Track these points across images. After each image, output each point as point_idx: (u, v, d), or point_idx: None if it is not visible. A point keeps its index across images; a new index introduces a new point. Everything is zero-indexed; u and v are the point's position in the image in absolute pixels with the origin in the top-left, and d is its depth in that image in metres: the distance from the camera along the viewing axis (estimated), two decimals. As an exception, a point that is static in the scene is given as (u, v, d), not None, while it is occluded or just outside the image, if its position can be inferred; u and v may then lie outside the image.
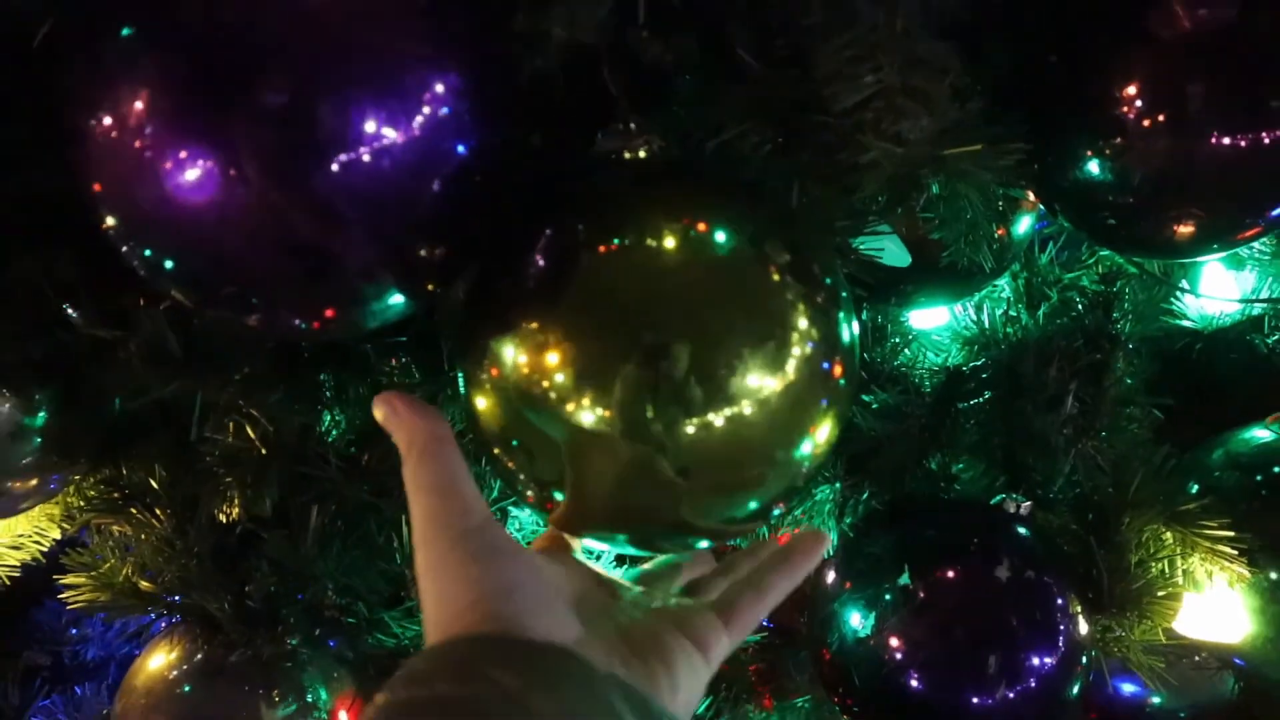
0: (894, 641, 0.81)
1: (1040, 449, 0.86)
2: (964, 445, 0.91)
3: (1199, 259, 1.04)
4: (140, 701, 0.85)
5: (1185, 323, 1.10)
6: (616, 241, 0.51)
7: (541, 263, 0.52)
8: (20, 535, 0.93)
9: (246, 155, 0.45)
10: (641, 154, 0.56)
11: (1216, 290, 1.10)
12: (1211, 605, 0.88)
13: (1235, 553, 0.83)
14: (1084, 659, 0.82)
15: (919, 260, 0.85)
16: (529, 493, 0.54)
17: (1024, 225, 0.89)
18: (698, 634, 0.44)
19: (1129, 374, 0.90)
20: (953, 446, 0.91)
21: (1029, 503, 0.91)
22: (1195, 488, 0.91)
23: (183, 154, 0.45)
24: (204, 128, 0.45)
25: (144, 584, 0.83)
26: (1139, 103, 0.64)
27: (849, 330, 0.55)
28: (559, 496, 0.52)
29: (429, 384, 0.75)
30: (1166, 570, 0.86)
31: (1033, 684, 0.79)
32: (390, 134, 0.46)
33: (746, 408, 0.49)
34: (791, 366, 0.50)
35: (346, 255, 0.50)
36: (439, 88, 0.47)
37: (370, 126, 0.45)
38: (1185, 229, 0.69)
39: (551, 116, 0.57)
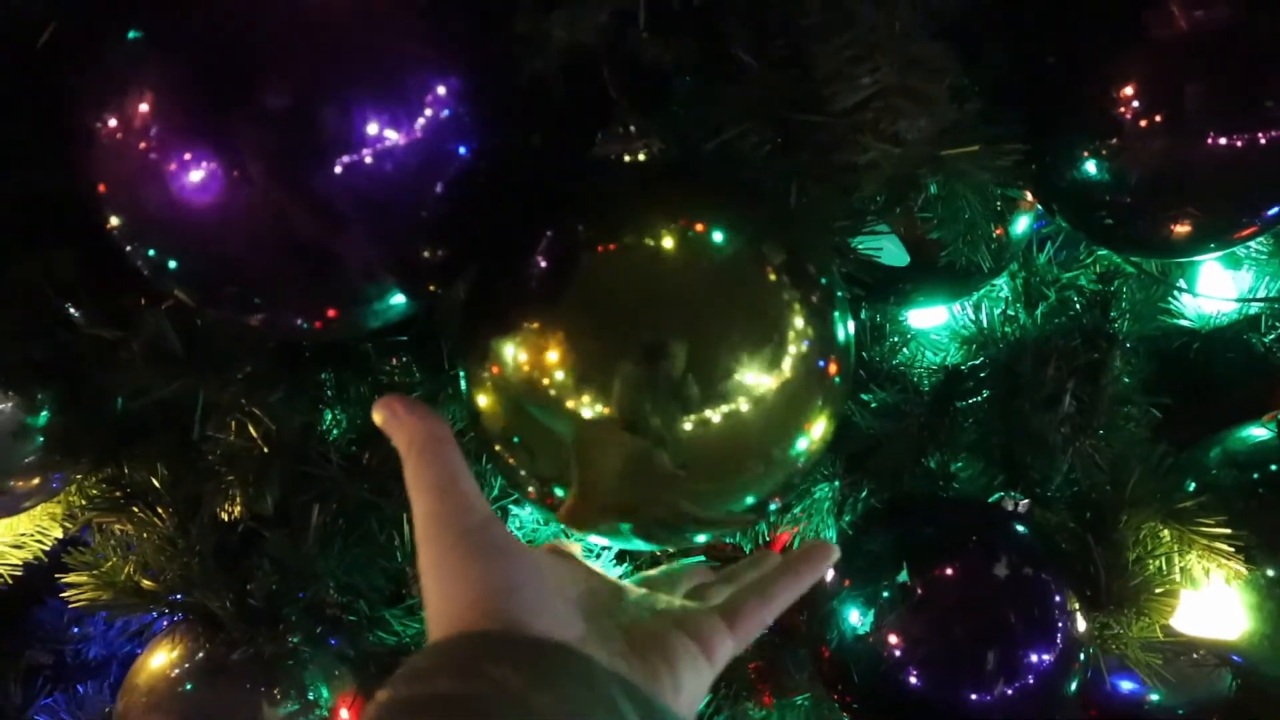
0: (893, 639, 0.81)
1: (1038, 447, 0.87)
2: (962, 444, 0.92)
3: (1196, 258, 1.04)
4: (142, 700, 0.85)
5: (1183, 322, 1.10)
6: (616, 242, 0.52)
7: (542, 263, 0.53)
8: (22, 534, 0.93)
9: (250, 156, 0.45)
10: (641, 157, 0.56)
11: (1214, 289, 1.11)
12: (1209, 602, 0.88)
13: (1232, 550, 0.83)
14: (1082, 656, 0.82)
15: (917, 260, 0.85)
16: (530, 489, 0.55)
17: (1022, 225, 0.90)
18: (701, 635, 0.44)
19: (1127, 373, 0.90)
20: (951, 445, 0.91)
21: (1027, 501, 0.91)
22: (1193, 486, 0.91)
23: (187, 155, 0.45)
24: (208, 129, 0.45)
25: (146, 583, 0.83)
26: (1135, 103, 0.64)
27: (844, 329, 0.56)
28: (560, 492, 0.53)
29: (429, 383, 0.75)
30: (1164, 567, 0.86)
31: (1031, 681, 0.80)
32: (392, 135, 0.46)
33: (743, 404, 0.50)
34: (787, 364, 0.51)
35: (349, 255, 0.50)
36: (440, 90, 0.47)
37: (372, 128, 0.46)
38: (1182, 228, 0.69)
39: (552, 118, 0.57)
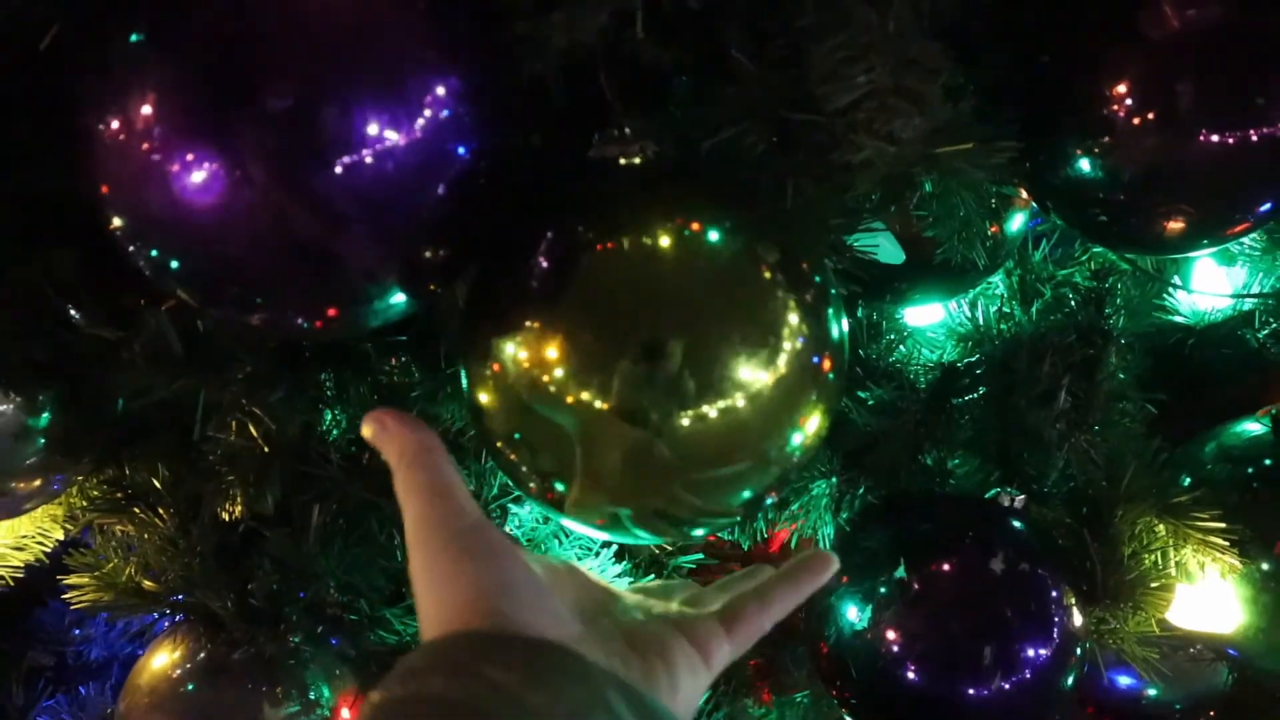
0: (890, 634, 0.82)
1: (1034, 443, 0.87)
2: (959, 440, 0.92)
3: (1190, 255, 1.05)
4: (144, 700, 0.86)
5: (1177, 318, 1.11)
6: (614, 241, 0.52)
7: (542, 262, 0.53)
8: (24, 536, 0.93)
9: (251, 157, 0.46)
10: (637, 159, 0.57)
11: (1208, 286, 1.11)
12: (1204, 596, 0.89)
13: (1227, 544, 0.84)
14: (1078, 650, 0.83)
15: (913, 257, 0.86)
16: (531, 485, 0.56)
17: (1017, 223, 0.90)
18: (699, 637, 0.44)
19: (1122, 369, 0.91)
20: (948, 442, 0.92)
21: (1023, 496, 0.92)
22: (1188, 480, 0.92)
23: (189, 156, 0.45)
24: (210, 131, 0.46)
25: (147, 583, 0.83)
26: (1128, 101, 0.65)
27: (838, 326, 0.56)
28: (560, 487, 0.53)
29: (428, 382, 0.75)
30: (1159, 562, 0.87)
31: (1028, 675, 0.80)
32: (392, 136, 0.46)
33: (739, 400, 0.50)
34: (782, 361, 0.52)
35: (350, 255, 0.50)
36: (440, 90, 0.48)
37: (373, 129, 0.46)
38: (1175, 225, 0.70)
39: (551, 119, 0.57)
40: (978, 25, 0.65)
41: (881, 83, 0.50)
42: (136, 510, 0.82)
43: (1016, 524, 0.87)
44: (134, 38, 0.47)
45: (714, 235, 0.53)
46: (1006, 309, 0.94)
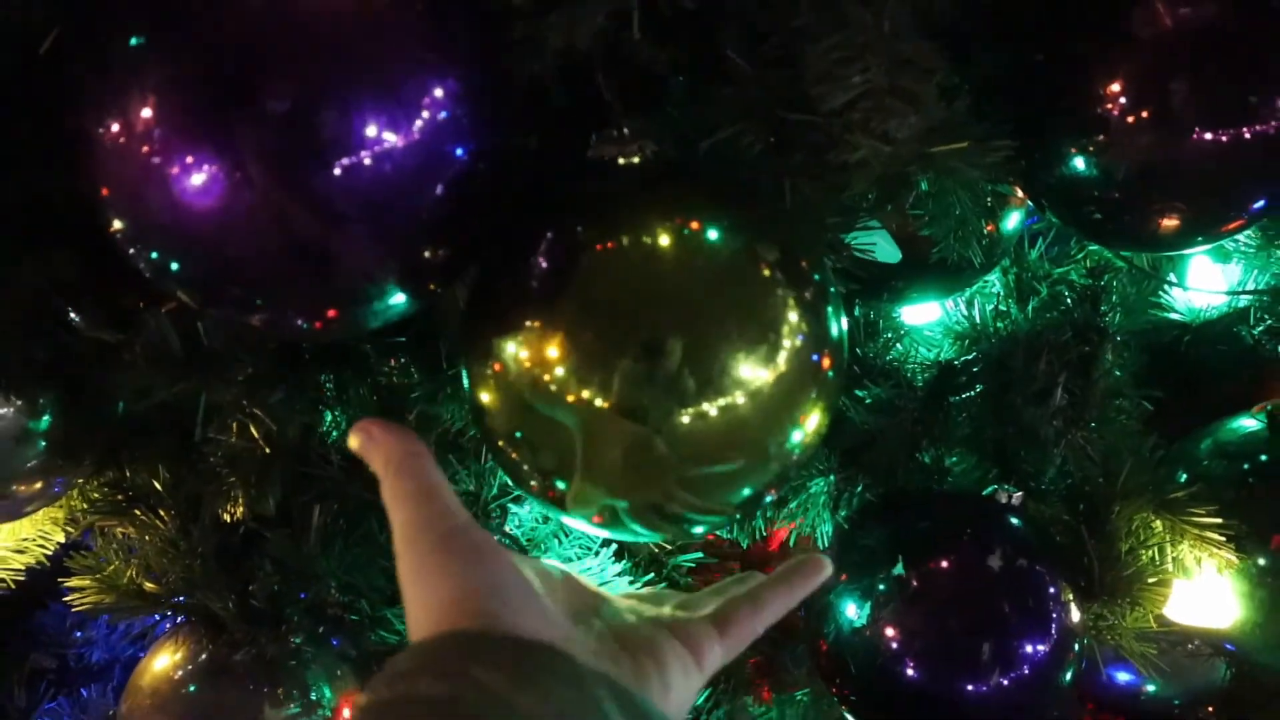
0: (889, 631, 0.82)
1: (1031, 441, 0.88)
2: (956, 438, 0.92)
3: (1185, 252, 1.05)
4: (146, 702, 0.86)
5: (1173, 315, 1.11)
6: (613, 241, 0.53)
7: (542, 262, 0.54)
8: (24, 539, 0.93)
9: (251, 159, 0.46)
10: (635, 159, 0.57)
11: (1204, 283, 1.12)
12: (1201, 591, 0.89)
13: (1223, 539, 0.84)
14: (1076, 646, 0.83)
15: (910, 256, 0.86)
16: (533, 483, 0.56)
17: (1013, 221, 0.90)
18: (691, 639, 0.44)
19: (1118, 366, 0.91)
20: (945, 439, 0.92)
21: (1020, 493, 0.92)
22: (1184, 476, 0.92)
23: (189, 158, 0.46)
24: (210, 133, 0.46)
25: (148, 585, 0.83)
26: (1122, 100, 0.65)
27: (837, 324, 0.57)
28: (561, 485, 0.54)
29: (428, 383, 0.76)
30: (1156, 557, 0.87)
31: (1026, 671, 0.80)
32: (391, 138, 0.47)
33: (739, 397, 0.51)
34: (782, 359, 0.52)
35: (350, 256, 0.51)
36: (439, 92, 0.48)
37: (372, 130, 0.46)
38: (1169, 222, 0.70)
39: (549, 120, 0.58)
40: (972, 25, 0.66)
41: (877, 83, 0.51)
42: (137, 512, 0.83)
43: (1014, 521, 0.87)
44: (133, 41, 0.47)
45: (713, 234, 0.53)
46: (1003, 307, 0.95)
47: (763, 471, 0.55)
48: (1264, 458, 0.94)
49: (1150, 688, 1.17)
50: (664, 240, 0.52)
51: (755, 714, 1.15)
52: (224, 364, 0.66)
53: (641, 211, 0.53)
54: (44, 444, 0.77)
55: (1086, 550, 0.87)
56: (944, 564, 0.84)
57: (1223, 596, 0.91)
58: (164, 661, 0.86)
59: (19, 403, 0.75)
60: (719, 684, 1.04)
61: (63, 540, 0.95)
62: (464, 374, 0.58)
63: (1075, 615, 0.83)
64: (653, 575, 0.96)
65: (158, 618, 0.89)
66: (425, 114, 0.48)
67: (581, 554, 0.91)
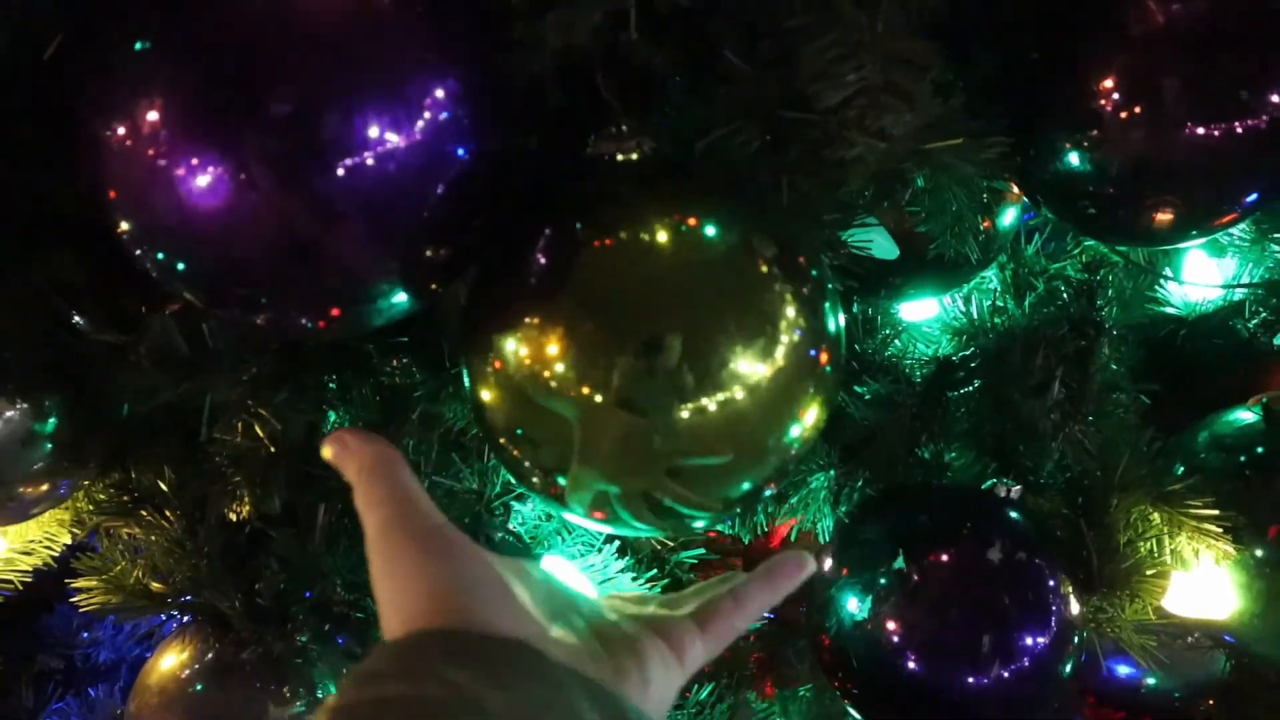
0: (890, 625, 0.82)
1: (1029, 435, 0.88)
2: (955, 433, 0.93)
3: (1180, 246, 1.06)
4: (153, 701, 0.86)
5: (1169, 310, 1.12)
6: (612, 239, 0.53)
7: (541, 260, 0.55)
8: (31, 541, 0.94)
9: (255, 161, 0.47)
10: (634, 156, 0.58)
11: (1199, 277, 1.12)
12: (1199, 583, 0.90)
13: (1220, 531, 0.84)
14: (1076, 638, 0.84)
15: (907, 253, 0.87)
16: (535, 479, 0.57)
17: (1009, 217, 0.91)
18: (672, 636, 0.43)
19: (1115, 360, 0.91)
20: (944, 434, 0.93)
21: (1019, 487, 0.92)
22: (1181, 469, 0.93)
23: (195, 160, 0.47)
24: (215, 135, 0.47)
25: (155, 585, 0.84)
26: (1115, 95, 0.66)
27: (835, 320, 0.57)
28: (562, 482, 0.54)
29: (431, 382, 0.76)
30: (1154, 549, 0.87)
31: (1026, 663, 0.81)
32: (393, 139, 0.48)
33: (738, 393, 0.51)
34: (780, 354, 0.53)
35: (352, 256, 0.51)
36: (440, 93, 0.49)
37: (374, 132, 0.47)
38: (1163, 216, 0.71)
39: (548, 119, 0.59)
40: (966, 22, 0.66)
41: (872, 80, 0.51)
42: (143, 513, 0.83)
43: (1013, 514, 0.88)
44: (138, 45, 0.48)
45: (711, 230, 0.54)
46: (1000, 303, 0.95)
47: (763, 465, 0.56)
48: (1260, 450, 0.94)
49: (1150, 680, 1.17)
50: (662, 237, 0.53)
51: (758, 710, 1.16)
52: (229, 364, 0.66)
53: (640, 209, 0.54)
54: (50, 446, 0.78)
55: (1085, 543, 0.88)
56: (944, 558, 0.84)
57: (1221, 588, 0.91)
58: (171, 661, 0.87)
59: (24, 406, 0.75)
60: (722, 678, 1.04)
61: (69, 542, 0.95)
62: (465, 372, 0.58)
63: (1075, 607, 0.84)
64: (655, 572, 0.97)
65: (164, 618, 0.90)
66: (426, 114, 0.49)
67: (585, 551, 0.91)
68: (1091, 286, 0.91)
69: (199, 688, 0.86)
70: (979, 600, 0.83)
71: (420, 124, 0.48)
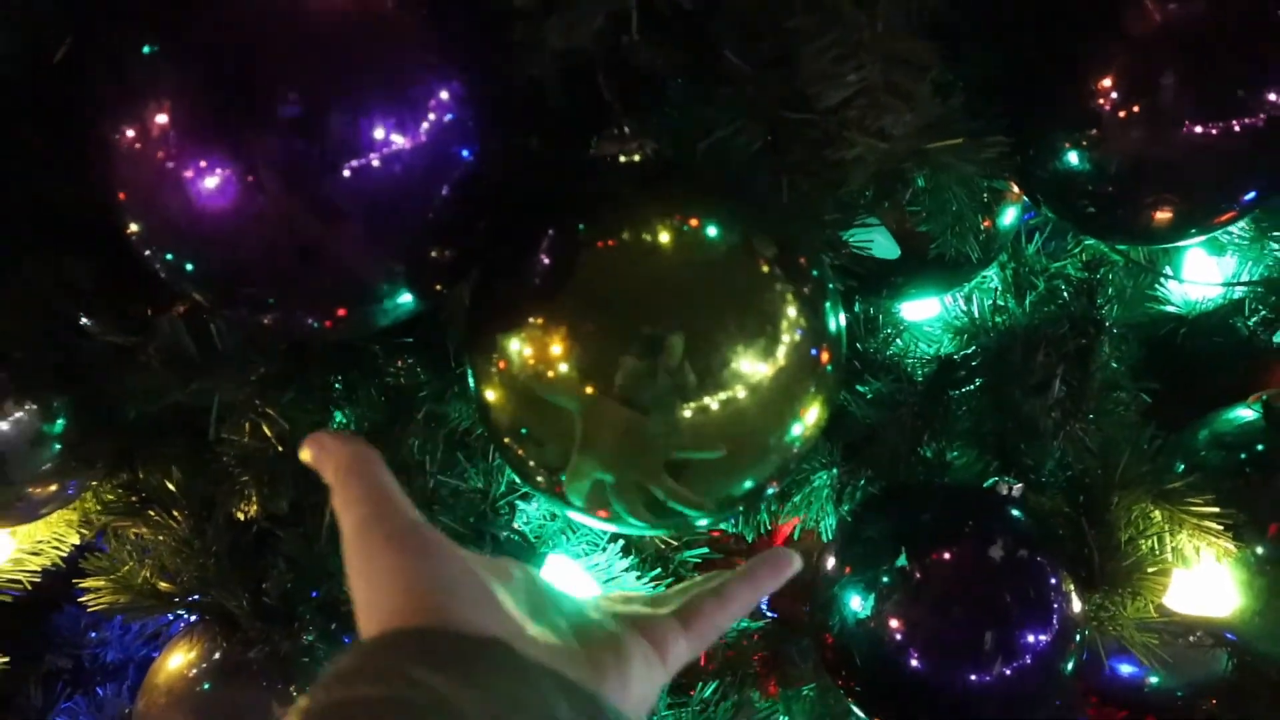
0: (893, 623, 0.83)
1: (1030, 433, 0.88)
2: (956, 431, 0.93)
3: (1179, 244, 1.06)
4: (161, 700, 0.87)
5: (1169, 308, 1.12)
6: (615, 239, 0.54)
7: (544, 261, 0.55)
8: (40, 541, 0.94)
9: (263, 163, 0.47)
10: (636, 157, 0.59)
11: (1199, 275, 1.13)
12: (1201, 580, 0.90)
13: (1221, 528, 0.85)
14: (1078, 635, 0.84)
15: (908, 252, 0.87)
16: (539, 478, 0.57)
17: (1009, 217, 0.91)
18: (655, 634, 0.43)
19: (1115, 358, 0.92)
20: (946, 433, 0.93)
21: (1021, 485, 0.93)
22: (1182, 467, 0.93)
23: (203, 163, 0.47)
24: (223, 138, 0.47)
25: (163, 584, 0.84)
26: (1114, 95, 0.66)
27: (835, 319, 0.58)
28: (565, 479, 0.55)
29: (435, 382, 0.77)
30: (1156, 547, 0.88)
31: (1028, 660, 0.81)
32: (398, 141, 0.48)
33: (740, 391, 0.52)
34: (781, 353, 0.53)
35: (358, 256, 0.52)
36: (444, 95, 0.49)
37: (379, 134, 0.48)
38: (1162, 215, 0.71)
39: (550, 121, 0.59)
40: (965, 23, 0.67)
41: (871, 80, 0.52)
42: (151, 513, 0.84)
43: (1015, 512, 0.88)
44: (147, 49, 0.48)
45: (713, 231, 0.54)
46: (1001, 302, 0.96)
47: (764, 464, 0.57)
48: (1260, 447, 0.94)
49: (1153, 680, 1.17)
50: (664, 237, 0.54)
51: (761, 708, 1.16)
52: (237, 365, 0.67)
53: (642, 209, 0.54)
54: (58, 447, 0.78)
55: (1086, 541, 0.88)
56: (946, 555, 0.84)
57: (1222, 586, 0.91)
58: (178, 659, 0.88)
59: (33, 407, 0.76)
60: (726, 677, 1.05)
61: (77, 542, 0.95)
62: (470, 372, 0.59)
63: (1076, 605, 0.84)
64: (659, 571, 0.98)
65: (171, 617, 0.90)
66: (431, 117, 0.49)
67: (589, 550, 0.92)
68: (1092, 285, 0.91)
69: (206, 686, 0.86)
70: (981, 598, 0.83)
71: (425, 126, 0.49)
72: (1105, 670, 1.14)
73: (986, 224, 0.87)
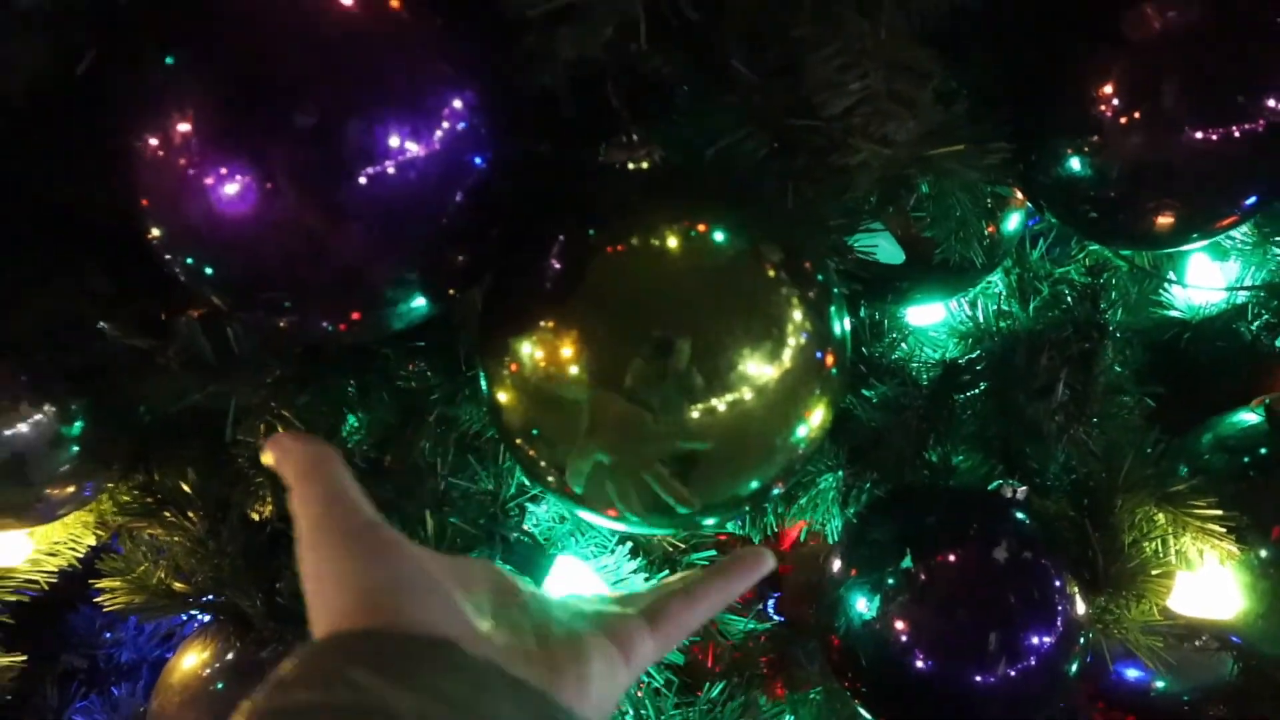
0: (899, 624, 0.83)
1: (1034, 436, 0.89)
2: (961, 435, 0.94)
3: (1182, 249, 1.06)
4: (175, 699, 0.88)
5: (1173, 313, 1.13)
6: (623, 244, 0.55)
7: (555, 266, 0.56)
8: (56, 542, 0.95)
9: (282, 171, 0.49)
10: (644, 164, 0.60)
11: (1202, 280, 1.13)
12: (1204, 583, 0.90)
13: (1224, 531, 0.85)
14: (1082, 638, 0.84)
15: (913, 258, 0.88)
16: (550, 479, 0.58)
17: (1014, 222, 0.92)
18: (619, 634, 0.42)
19: (1119, 363, 0.92)
20: (950, 436, 0.94)
21: (1025, 488, 0.93)
22: (1185, 470, 0.93)
23: (224, 170, 0.48)
24: (243, 146, 0.49)
25: (177, 585, 0.85)
26: (1115, 101, 0.67)
27: (840, 323, 0.59)
28: None
29: (447, 385, 0.78)
30: (1159, 550, 0.88)
31: (1033, 662, 0.81)
32: (413, 149, 0.49)
33: (746, 394, 0.53)
34: (787, 356, 0.54)
35: (373, 261, 0.53)
36: (458, 104, 0.51)
37: (395, 142, 0.49)
38: (1165, 220, 0.72)
39: (560, 128, 0.60)
40: (968, 30, 0.68)
41: (875, 88, 0.53)
42: (166, 514, 0.85)
43: (1019, 515, 0.88)
44: (169, 60, 0.50)
45: (720, 236, 0.55)
46: (1005, 306, 0.96)
47: (769, 466, 0.58)
48: (1263, 450, 0.95)
49: (1159, 684, 1.17)
50: (672, 243, 0.55)
51: (767, 711, 1.16)
52: (253, 368, 0.68)
53: (650, 215, 0.56)
54: (76, 448, 0.80)
55: (1090, 543, 0.88)
56: (951, 558, 0.85)
57: (1225, 588, 0.92)
58: (193, 659, 0.89)
59: (52, 409, 0.77)
60: (733, 678, 1.05)
61: (93, 543, 0.96)
62: (481, 375, 0.60)
63: (1080, 607, 0.84)
64: (667, 573, 0.98)
65: (185, 618, 0.91)
66: (445, 125, 0.50)
67: (598, 552, 0.92)
68: (1095, 290, 0.92)
69: (220, 686, 0.87)
70: (986, 600, 0.83)
71: (439, 134, 0.50)
72: (1111, 674, 1.15)
73: (990, 229, 0.88)
